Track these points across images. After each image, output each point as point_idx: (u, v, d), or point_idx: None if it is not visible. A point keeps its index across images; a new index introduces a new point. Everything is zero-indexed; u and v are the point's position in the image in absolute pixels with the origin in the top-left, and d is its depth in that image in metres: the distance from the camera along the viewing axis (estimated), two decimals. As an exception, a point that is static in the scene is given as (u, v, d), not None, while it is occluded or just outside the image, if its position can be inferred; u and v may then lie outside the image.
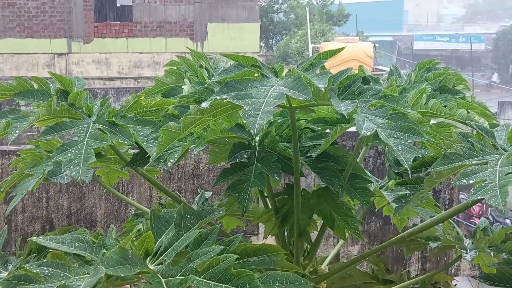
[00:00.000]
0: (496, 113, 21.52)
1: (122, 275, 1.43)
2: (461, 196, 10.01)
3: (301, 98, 1.57)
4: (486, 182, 1.55)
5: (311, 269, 2.23)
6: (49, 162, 2.19)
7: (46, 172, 2.17)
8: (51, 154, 2.15)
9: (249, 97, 1.58)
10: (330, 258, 2.41)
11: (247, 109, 1.54)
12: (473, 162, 1.65)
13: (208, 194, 2.53)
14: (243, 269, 1.48)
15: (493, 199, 1.50)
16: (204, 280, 1.48)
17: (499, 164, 1.60)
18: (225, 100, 1.60)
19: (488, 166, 1.61)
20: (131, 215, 2.61)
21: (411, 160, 1.61)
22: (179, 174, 5.38)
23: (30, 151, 2.27)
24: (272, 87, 1.63)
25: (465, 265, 5.88)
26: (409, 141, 1.64)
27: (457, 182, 1.59)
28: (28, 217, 5.17)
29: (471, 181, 1.58)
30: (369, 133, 1.61)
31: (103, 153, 2.24)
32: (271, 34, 34.29)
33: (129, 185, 5.33)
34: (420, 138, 1.66)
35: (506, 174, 1.55)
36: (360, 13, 44.74)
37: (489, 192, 1.53)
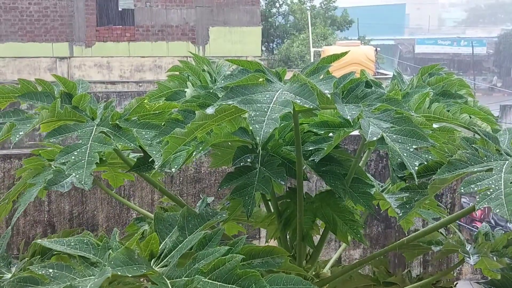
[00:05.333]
0: (497, 116, 21.51)
1: (129, 275, 1.43)
2: (462, 200, 9.99)
3: (307, 106, 1.57)
4: (492, 190, 1.55)
5: (313, 272, 2.23)
6: (50, 171, 2.19)
7: (46, 180, 2.18)
8: (55, 157, 2.16)
9: (254, 103, 1.58)
10: (332, 262, 2.41)
11: (252, 114, 1.54)
12: (478, 168, 1.64)
13: (210, 199, 2.53)
14: (248, 270, 1.49)
15: (499, 208, 1.50)
16: (210, 281, 1.48)
17: (503, 171, 1.60)
18: (231, 105, 1.61)
19: (493, 172, 1.61)
20: (133, 219, 2.61)
21: (416, 166, 1.61)
22: (181, 178, 5.38)
23: (33, 160, 2.28)
24: (277, 92, 1.63)
25: (467, 269, 5.88)
26: (414, 146, 1.64)
27: (462, 190, 1.59)
28: (30, 221, 5.17)
29: (476, 189, 1.57)
30: (375, 138, 1.61)
31: (104, 158, 2.23)
32: (272, 38, 34.31)
33: (131, 189, 5.33)
34: (424, 143, 1.66)
35: (511, 182, 1.55)
36: (361, 17, 44.78)
37: (494, 201, 1.52)
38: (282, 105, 1.57)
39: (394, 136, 1.65)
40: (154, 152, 1.90)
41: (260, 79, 1.70)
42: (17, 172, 2.37)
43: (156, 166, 1.83)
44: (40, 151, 2.26)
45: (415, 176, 1.63)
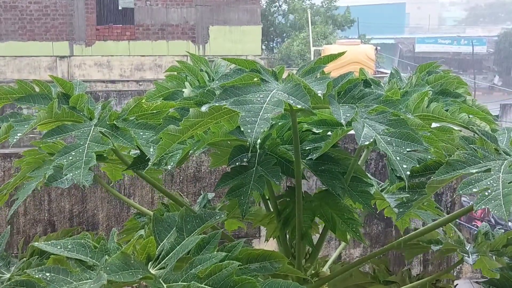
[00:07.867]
0: (498, 115, 21.51)
1: (125, 281, 1.43)
2: (462, 198, 9.99)
3: (299, 106, 1.56)
4: (490, 191, 1.54)
5: (313, 271, 2.22)
6: (51, 166, 2.19)
7: (47, 176, 2.17)
8: (52, 157, 2.16)
9: (247, 103, 1.56)
10: (331, 261, 2.41)
11: (244, 115, 1.52)
12: (476, 169, 1.64)
13: (211, 195, 2.53)
14: (245, 277, 1.48)
15: (497, 209, 1.49)
16: (206, 287, 1.48)
17: (501, 171, 1.59)
18: (223, 106, 1.60)
19: (491, 173, 1.60)
20: (134, 214, 2.61)
21: (408, 171, 1.61)
22: (181, 177, 5.37)
23: (32, 151, 2.27)
24: (271, 91, 1.61)
25: (467, 268, 5.87)
26: (408, 149, 1.63)
27: (461, 192, 1.58)
28: (30, 220, 5.17)
29: (474, 190, 1.56)
30: (367, 142, 1.60)
31: (105, 155, 2.24)
32: (272, 37, 34.31)
33: (131, 188, 5.32)
34: (419, 146, 1.65)
35: (509, 183, 1.54)
36: (362, 16, 44.78)
37: (492, 201, 1.51)
38: (275, 105, 1.56)
39: (389, 139, 1.64)
40: (151, 151, 1.90)
41: (255, 79, 1.69)
42: (14, 162, 2.37)
43: (149, 163, 1.82)
44: (40, 144, 2.24)
45: (405, 180, 1.62)
